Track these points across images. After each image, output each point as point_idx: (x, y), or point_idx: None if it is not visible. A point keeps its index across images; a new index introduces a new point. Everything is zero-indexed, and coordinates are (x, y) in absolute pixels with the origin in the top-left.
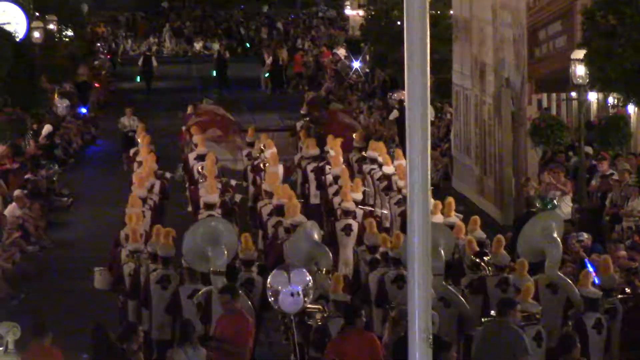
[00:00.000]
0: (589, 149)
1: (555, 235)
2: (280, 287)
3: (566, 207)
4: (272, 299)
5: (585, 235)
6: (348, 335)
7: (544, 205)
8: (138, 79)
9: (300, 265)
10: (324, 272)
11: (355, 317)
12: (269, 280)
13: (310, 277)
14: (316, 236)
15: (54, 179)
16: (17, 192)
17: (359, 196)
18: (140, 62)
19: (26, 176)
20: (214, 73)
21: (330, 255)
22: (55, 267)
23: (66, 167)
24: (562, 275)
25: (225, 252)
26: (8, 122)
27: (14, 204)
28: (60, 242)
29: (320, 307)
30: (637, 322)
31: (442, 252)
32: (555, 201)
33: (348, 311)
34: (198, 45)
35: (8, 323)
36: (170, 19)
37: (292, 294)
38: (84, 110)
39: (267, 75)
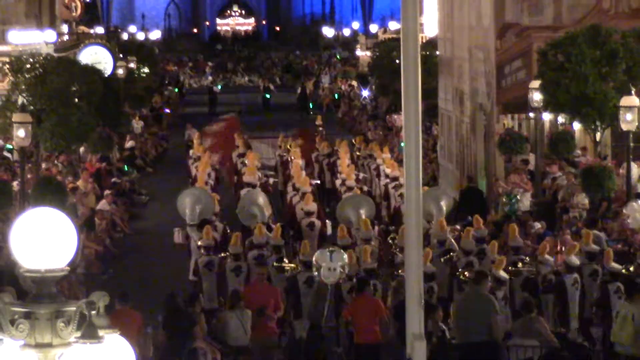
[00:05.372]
0: None
1: (442, 203)
2: (323, 264)
3: (527, 201)
4: (316, 272)
5: (538, 225)
6: (359, 300)
7: (509, 200)
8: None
9: (245, 214)
10: (260, 223)
11: (364, 286)
12: (314, 257)
13: (347, 257)
14: (260, 199)
15: (135, 181)
16: (106, 192)
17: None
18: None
19: (113, 179)
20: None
21: (265, 213)
22: (135, 250)
23: (144, 173)
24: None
25: (198, 212)
26: (99, 139)
27: (104, 200)
28: (139, 231)
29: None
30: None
31: (363, 214)
32: (518, 197)
33: (359, 281)
34: (244, 80)
35: (100, 292)
36: (223, 59)
37: (329, 269)
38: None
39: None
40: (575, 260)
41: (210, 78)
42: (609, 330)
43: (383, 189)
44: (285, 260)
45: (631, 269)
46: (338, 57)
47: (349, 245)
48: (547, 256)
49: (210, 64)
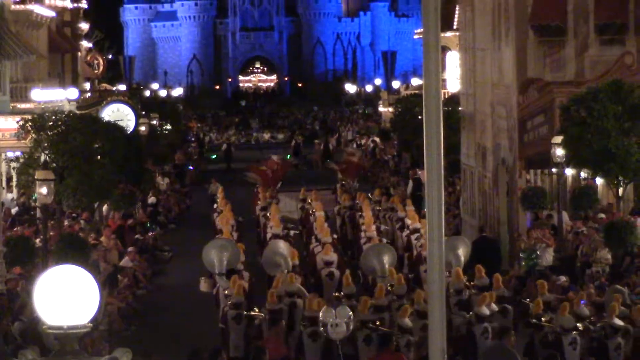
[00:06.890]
0: None
1: (459, 252)
2: (329, 320)
3: (549, 256)
4: (322, 328)
5: (563, 278)
6: (383, 356)
7: (528, 256)
8: (214, 156)
9: (269, 264)
10: (285, 272)
11: (388, 342)
12: (320, 315)
13: (351, 312)
14: (285, 249)
15: (157, 238)
16: (129, 249)
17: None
18: (223, 148)
19: (136, 236)
20: (289, 156)
21: (290, 262)
22: (158, 306)
23: (167, 229)
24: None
25: (225, 261)
26: (122, 196)
27: (127, 257)
28: (162, 287)
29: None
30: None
31: (387, 264)
32: (538, 252)
33: (382, 337)
34: (267, 136)
35: (123, 349)
36: (246, 116)
37: (331, 325)
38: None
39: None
40: (485, 310)
41: (255, 134)
42: None
43: (405, 239)
44: (256, 309)
45: (543, 319)
46: (366, 111)
47: (354, 294)
48: (485, 308)
49: (256, 119)
